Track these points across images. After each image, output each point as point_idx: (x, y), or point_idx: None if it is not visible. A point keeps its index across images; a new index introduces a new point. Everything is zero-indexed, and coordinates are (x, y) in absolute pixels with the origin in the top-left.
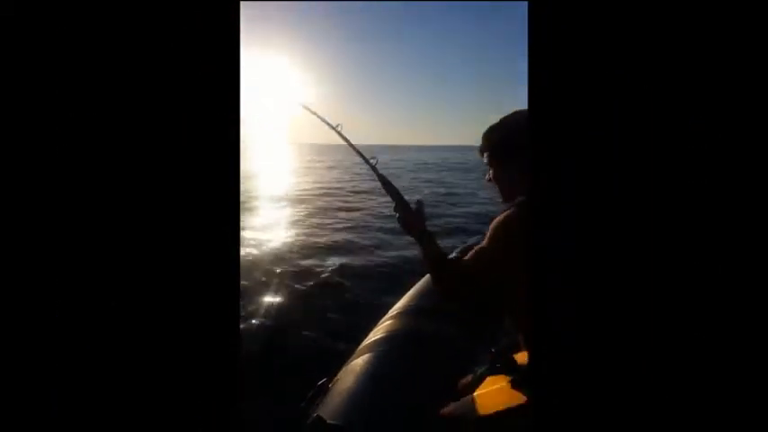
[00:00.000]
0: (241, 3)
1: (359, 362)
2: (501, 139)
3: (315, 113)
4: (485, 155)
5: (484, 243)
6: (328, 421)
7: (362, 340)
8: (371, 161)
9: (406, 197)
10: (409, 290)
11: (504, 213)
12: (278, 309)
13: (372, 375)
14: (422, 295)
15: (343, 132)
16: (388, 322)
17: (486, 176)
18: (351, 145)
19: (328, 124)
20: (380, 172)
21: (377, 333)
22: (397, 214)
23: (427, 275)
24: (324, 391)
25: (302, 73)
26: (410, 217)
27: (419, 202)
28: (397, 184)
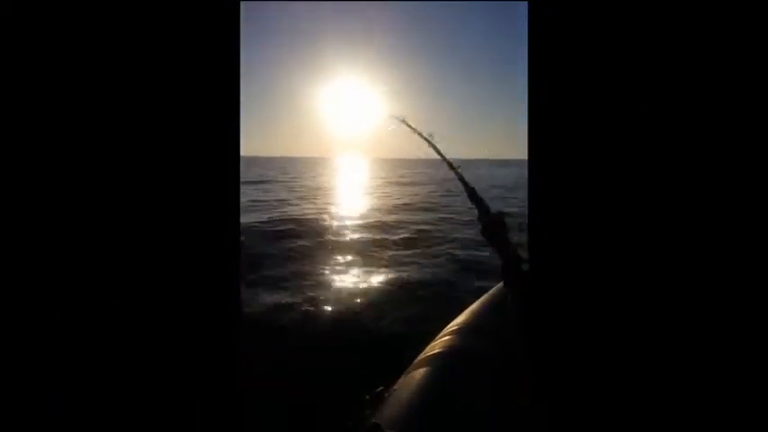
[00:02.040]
0: (242, 3)
1: (416, 374)
2: None
3: (410, 125)
4: None
5: None
6: (386, 430)
7: (420, 353)
8: (459, 170)
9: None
10: (469, 305)
11: None
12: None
13: (430, 389)
14: (482, 313)
15: (434, 143)
16: (448, 337)
17: None
18: (442, 155)
19: (422, 135)
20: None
21: (435, 348)
22: (481, 224)
23: (487, 293)
24: (380, 399)
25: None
26: (493, 226)
27: (500, 213)
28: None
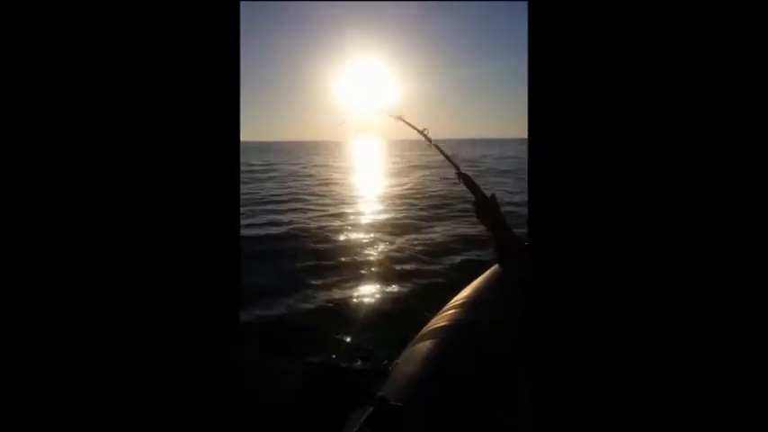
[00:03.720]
0: (241, 3)
1: (421, 347)
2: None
3: (407, 122)
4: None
5: None
6: (390, 402)
7: (424, 326)
8: (453, 158)
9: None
10: (474, 280)
11: None
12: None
13: (433, 361)
14: (486, 288)
15: (429, 135)
16: (452, 311)
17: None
18: (436, 147)
19: (419, 131)
20: (463, 170)
21: (439, 321)
22: (475, 206)
23: (492, 268)
24: (387, 373)
25: (394, 74)
26: (485, 208)
27: (493, 196)
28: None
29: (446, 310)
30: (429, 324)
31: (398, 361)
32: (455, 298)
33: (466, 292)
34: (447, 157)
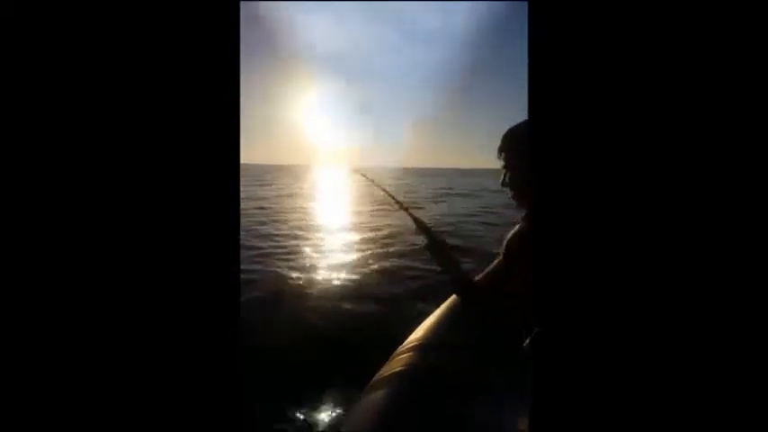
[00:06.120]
0: (241, 3)
1: (374, 398)
2: (519, 140)
3: (369, 179)
4: (502, 155)
5: (501, 259)
6: None
7: (378, 372)
8: (405, 205)
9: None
10: (425, 320)
11: (514, 231)
12: None
13: (387, 413)
14: (440, 326)
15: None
16: (405, 355)
17: (501, 179)
18: (392, 197)
19: (379, 186)
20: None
21: (393, 367)
22: (428, 248)
23: (443, 306)
24: (338, 425)
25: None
26: (438, 248)
27: (442, 238)
28: None
29: (399, 355)
30: (382, 370)
31: (351, 413)
32: (407, 340)
33: (418, 332)
34: (399, 203)
